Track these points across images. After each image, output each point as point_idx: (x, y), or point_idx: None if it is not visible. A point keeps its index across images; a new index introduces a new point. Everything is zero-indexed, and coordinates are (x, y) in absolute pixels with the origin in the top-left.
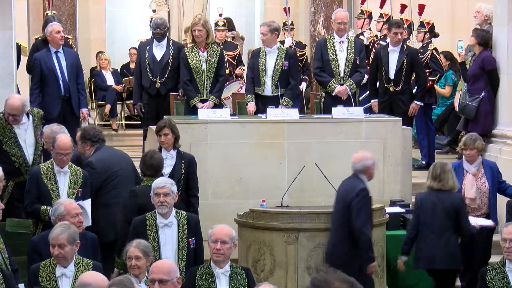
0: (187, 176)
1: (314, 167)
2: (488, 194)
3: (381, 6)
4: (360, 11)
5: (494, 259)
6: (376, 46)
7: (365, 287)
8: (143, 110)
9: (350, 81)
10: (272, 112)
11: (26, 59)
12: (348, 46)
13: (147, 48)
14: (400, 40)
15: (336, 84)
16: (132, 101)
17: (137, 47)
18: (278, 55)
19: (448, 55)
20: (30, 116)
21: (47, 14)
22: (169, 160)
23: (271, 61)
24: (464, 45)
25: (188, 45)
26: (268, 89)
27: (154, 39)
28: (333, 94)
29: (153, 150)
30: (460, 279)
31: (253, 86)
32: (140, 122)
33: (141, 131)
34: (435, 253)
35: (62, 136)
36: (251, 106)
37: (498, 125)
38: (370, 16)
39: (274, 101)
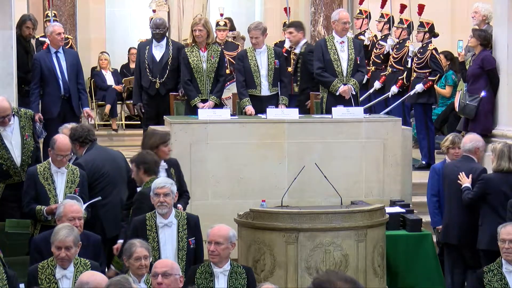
0: (178, 180)
1: (314, 167)
2: None
3: (382, 6)
4: (358, 11)
5: None
6: (376, 46)
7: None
8: (143, 110)
9: (353, 80)
10: (272, 112)
11: None
12: (348, 46)
13: (147, 48)
14: (293, 41)
15: (340, 83)
16: (132, 101)
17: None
18: (268, 54)
19: (448, 55)
20: (16, 117)
21: (47, 14)
22: (162, 173)
23: (263, 61)
24: (463, 45)
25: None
26: (265, 89)
27: (154, 39)
28: (337, 94)
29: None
30: None
31: (246, 89)
32: (140, 122)
33: (141, 131)
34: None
35: (61, 137)
36: (250, 110)
37: (498, 125)
38: (368, 16)
39: (270, 101)
